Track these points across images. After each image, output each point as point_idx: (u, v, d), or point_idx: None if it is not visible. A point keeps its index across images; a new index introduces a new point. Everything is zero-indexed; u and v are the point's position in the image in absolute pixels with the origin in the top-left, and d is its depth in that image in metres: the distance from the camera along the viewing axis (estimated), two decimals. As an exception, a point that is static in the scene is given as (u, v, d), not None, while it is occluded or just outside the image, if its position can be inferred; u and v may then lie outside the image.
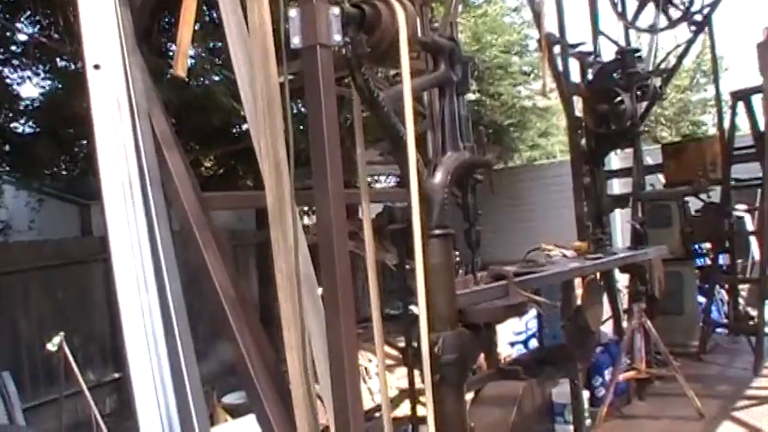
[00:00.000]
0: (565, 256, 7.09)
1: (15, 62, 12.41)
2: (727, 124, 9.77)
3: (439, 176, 4.30)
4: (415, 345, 4.05)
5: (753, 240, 12.06)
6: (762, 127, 9.28)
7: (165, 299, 3.43)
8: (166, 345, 3.41)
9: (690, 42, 10.20)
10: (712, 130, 21.91)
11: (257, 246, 13.54)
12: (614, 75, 8.72)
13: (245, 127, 12.26)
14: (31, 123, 13.68)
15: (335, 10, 3.30)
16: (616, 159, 14.80)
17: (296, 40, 3.20)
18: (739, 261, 10.90)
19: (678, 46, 10.11)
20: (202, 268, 3.62)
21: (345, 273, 3.20)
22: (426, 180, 4.12)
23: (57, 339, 7.93)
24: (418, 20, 4.18)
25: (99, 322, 12.16)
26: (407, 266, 4.49)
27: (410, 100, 3.85)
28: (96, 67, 3.57)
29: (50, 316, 11.31)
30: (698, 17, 9.94)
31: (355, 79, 3.74)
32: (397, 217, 4.44)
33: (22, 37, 12.08)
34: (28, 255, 11.60)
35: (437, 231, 4.14)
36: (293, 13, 3.21)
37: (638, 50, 9.11)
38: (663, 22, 10.02)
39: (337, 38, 3.29)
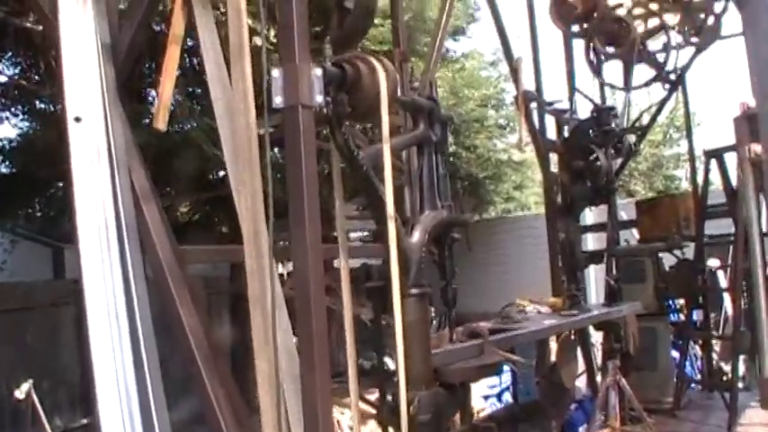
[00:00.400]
0: (540, 312, 7.10)
1: (-6, 103, 12.39)
2: (700, 181, 9.90)
3: (417, 235, 4.33)
4: (390, 400, 4.04)
5: (725, 296, 12.14)
6: (734, 183, 9.40)
7: (137, 346, 3.42)
8: (137, 391, 3.38)
9: (664, 101, 10.38)
10: (685, 185, 22.19)
11: (231, 295, 13.47)
12: (590, 131, 8.81)
13: (221, 173, 12.29)
14: (6, 164, 13.60)
15: (318, 71, 3.33)
16: (590, 214, 14.91)
17: (278, 100, 3.23)
18: (712, 316, 10.97)
19: (651, 106, 10.26)
20: (175, 319, 3.61)
21: (321, 327, 3.20)
22: (404, 238, 4.14)
23: (25, 387, 7.82)
24: (398, 78, 4.24)
25: (68, 367, 11.98)
26: (383, 322, 4.49)
27: (389, 160, 3.88)
28: (77, 119, 3.58)
29: (19, 360, 11.13)
30: (672, 76, 10.10)
31: (335, 138, 3.77)
32: (373, 274, 4.44)
33: (1, 78, 12.06)
34: (-2, 296, 11.45)
35: (414, 290, 4.16)
36: (276, 72, 3.24)
37: (613, 108, 9.21)
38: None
39: (319, 99, 3.32)
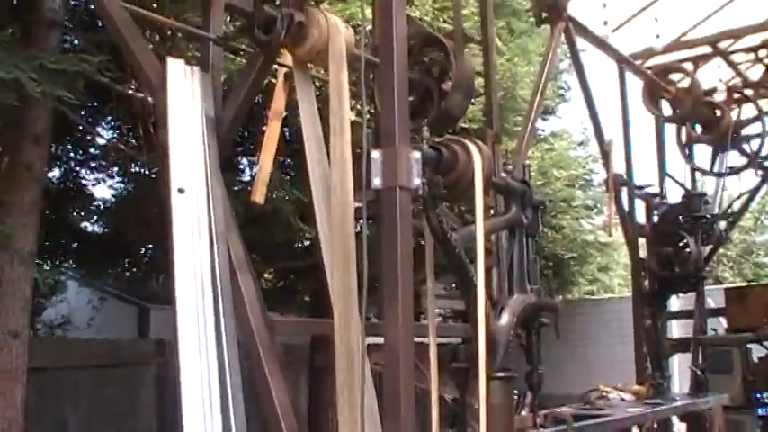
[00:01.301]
0: (623, 399, 6.95)
1: (92, 164, 12.84)
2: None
3: (505, 318, 4.33)
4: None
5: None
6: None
7: (227, 411, 3.46)
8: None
9: (757, 188, 10.16)
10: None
11: (310, 365, 13.55)
12: (680, 217, 8.69)
13: (306, 243, 12.43)
14: (100, 223, 14.05)
15: (416, 154, 3.39)
16: (676, 300, 14.57)
17: (376, 182, 3.30)
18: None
19: (743, 193, 10.05)
20: (263, 388, 3.65)
21: (409, 404, 3.20)
22: (492, 321, 4.14)
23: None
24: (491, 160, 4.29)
25: (147, 425, 12.16)
26: (467, 404, 4.46)
27: (482, 243, 3.91)
28: (180, 190, 3.70)
29: (99, 415, 11.35)
30: (766, 163, 9.91)
31: (429, 219, 3.82)
32: (459, 354, 4.43)
33: (100, 140, 12.54)
34: (83, 352, 11.73)
35: (500, 374, 4.14)
36: (375, 154, 3.31)
37: (704, 194, 9.09)
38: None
39: (417, 181, 3.37)
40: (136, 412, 12.09)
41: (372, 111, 4.25)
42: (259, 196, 4.30)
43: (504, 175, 4.60)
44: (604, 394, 7.08)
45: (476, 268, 3.94)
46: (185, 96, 3.93)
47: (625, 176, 8.52)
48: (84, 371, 11.47)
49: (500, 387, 4.14)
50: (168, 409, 12.57)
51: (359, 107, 5.83)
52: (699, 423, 7.42)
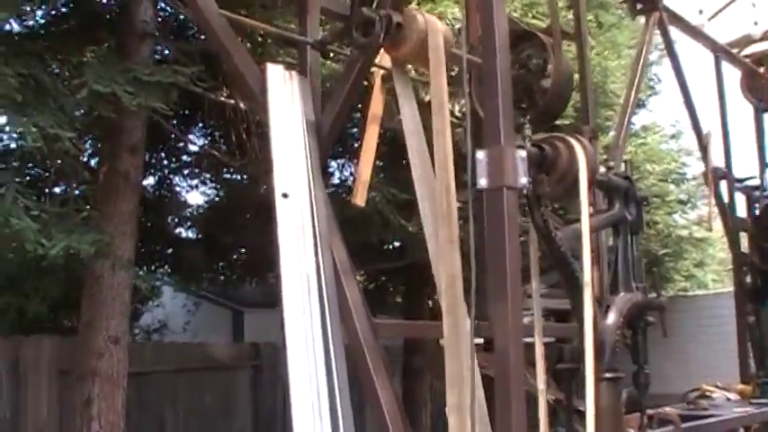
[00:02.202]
0: (728, 399, 6.75)
1: (185, 171, 13.09)
2: None
3: (612, 318, 4.23)
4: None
5: None
6: None
7: (335, 416, 3.46)
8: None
9: None
10: None
11: (403, 365, 13.57)
12: (784, 210, 8.40)
13: (397, 244, 12.45)
14: (193, 229, 14.32)
15: (522, 153, 3.34)
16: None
17: (482, 182, 3.25)
18: None
19: None
20: (370, 391, 3.64)
21: (521, 407, 3.15)
22: (599, 321, 4.05)
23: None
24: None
25: (242, 428, 12.34)
26: (574, 407, 4.38)
27: (588, 240, 3.83)
28: (285, 195, 3.73)
29: (196, 418, 11.57)
30: None
31: (534, 218, 3.77)
32: (565, 355, 4.35)
33: (192, 148, 12.77)
34: (180, 356, 11.97)
35: (607, 375, 4.06)
36: (480, 154, 3.27)
37: (806, 186, 8.77)
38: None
39: (523, 180, 3.32)
40: (231, 415, 12.28)
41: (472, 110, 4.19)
42: (360, 199, 4.31)
43: (604, 170, 4.51)
44: (708, 394, 6.88)
45: (581, 267, 3.87)
46: (286, 101, 3.96)
47: (724, 169, 8.29)
48: (182, 374, 11.70)
49: (608, 388, 4.05)
50: (263, 412, 12.76)
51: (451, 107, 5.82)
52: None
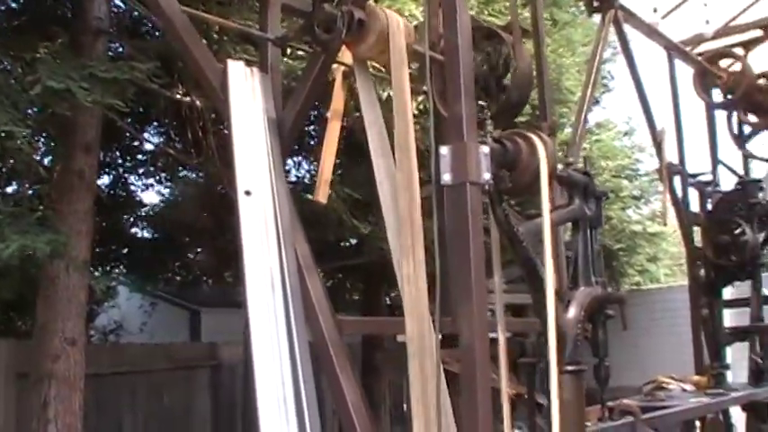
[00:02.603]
0: (684, 390, 6.86)
1: (141, 170, 12.97)
2: None
3: (572, 312, 4.28)
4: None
5: None
6: None
7: (301, 411, 3.45)
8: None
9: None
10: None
11: (362, 362, 13.58)
12: (736, 205, 8.55)
13: (353, 241, 12.44)
14: (149, 229, 14.20)
15: (485, 149, 3.37)
16: (726, 289, 14.36)
17: (446, 177, 3.27)
18: None
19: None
20: (335, 388, 3.64)
21: (487, 404, 3.17)
22: (560, 315, 4.09)
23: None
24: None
25: (202, 429, 12.27)
26: (536, 401, 4.43)
27: (550, 235, 3.87)
28: (247, 193, 3.71)
29: (155, 419, 11.48)
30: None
31: (495, 214, 3.80)
32: (527, 349, 4.40)
33: (148, 146, 12.64)
34: (138, 357, 11.85)
35: (570, 367, 4.10)
36: (444, 150, 3.29)
37: (760, 180, 8.93)
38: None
39: (486, 176, 3.34)
40: (191, 415, 12.22)
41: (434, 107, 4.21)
42: (322, 196, 4.30)
43: (563, 166, 4.55)
44: (664, 386, 6.99)
45: (542, 262, 3.91)
46: (247, 98, 3.94)
47: (678, 165, 8.41)
48: (140, 376, 11.60)
49: (571, 381, 4.10)
50: (222, 412, 12.69)
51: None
52: (760, 413, 7.28)
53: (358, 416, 3.57)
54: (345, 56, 4.34)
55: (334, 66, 4.56)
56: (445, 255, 3.41)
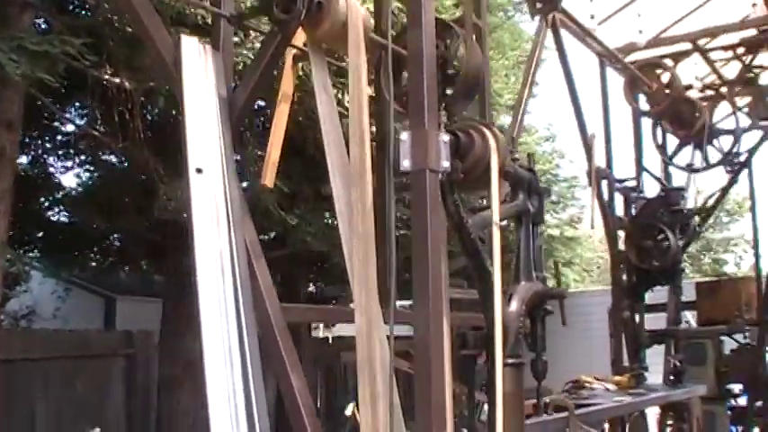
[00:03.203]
0: (608, 389, 7.00)
1: (61, 151, 12.60)
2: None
3: (514, 305, 4.31)
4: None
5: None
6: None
7: (249, 394, 3.39)
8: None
9: (729, 185, 10.33)
10: (733, 269, 21.96)
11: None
12: (659, 211, 8.76)
13: (272, 235, 12.31)
14: (66, 212, 13.78)
15: (445, 137, 3.37)
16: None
17: (405, 164, 3.26)
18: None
19: (723, 188, 10.19)
20: (282, 374, 3.59)
21: (441, 391, 3.17)
22: (503, 309, 4.11)
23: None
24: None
25: (114, 417, 11.99)
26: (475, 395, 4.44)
27: (498, 229, 3.89)
28: (199, 170, 3.62)
29: (68, 406, 11.17)
30: (737, 160, 10.05)
31: (446, 204, 3.79)
32: (469, 342, 4.40)
33: (69, 128, 12.29)
34: (51, 344, 11.50)
35: (510, 360, 4.13)
36: (404, 136, 3.27)
37: (682, 189, 9.20)
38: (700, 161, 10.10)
39: (446, 164, 3.34)
40: (105, 403, 11.91)
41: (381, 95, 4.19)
42: (269, 180, 4.23)
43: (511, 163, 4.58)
44: (587, 385, 7.12)
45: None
46: (200, 75, 3.85)
47: (606, 169, 8.58)
48: (53, 362, 11.25)
49: (511, 374, 4.13)
50: (136, 400, 12.43)
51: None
52: (681, 413, 7.50)
53: (302, 398, 3.53)
54: (298, 39, 4.28)
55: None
56: (398, 243, 3.41)
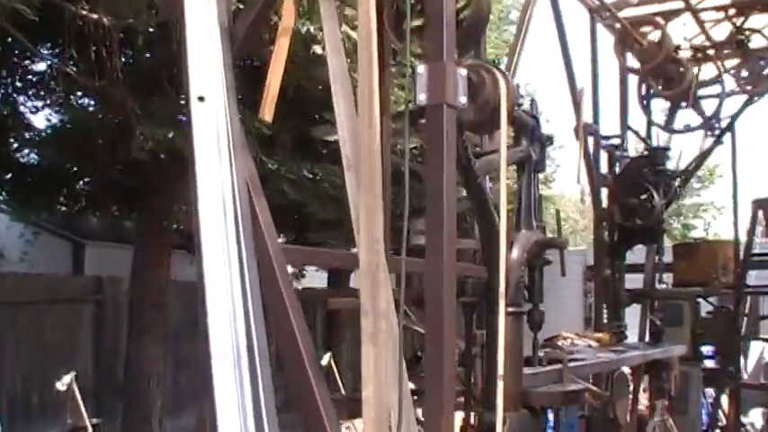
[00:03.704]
0: (590, 346, 6.98)
1: (31, 91, 12.24)
2: (744, 230, 9.85)
3: (515, 253, 4.22)
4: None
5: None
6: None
7: (251, 340, 3.25)
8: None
9: (711, 149, 10.32)
10: (702, 234, 22.13)
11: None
12: (644, 170, 8.71)
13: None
14: (36, 154, 13.40)
15: (463, 71, 3.22)
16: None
17: (422, 97, 3.11)
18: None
19: (705, 151, 10.17)
20: (283, 315, 3.44)
21: (452, 338, 3.06)
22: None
23: (67, 379, 7.64)
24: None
25: (83, 363, 11.82)
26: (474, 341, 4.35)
27: (505, 173, 3.77)
28: (201, 99, 3.45)
29: (37, 350, 11.00)
30: (719, 124, 10.03)
31: (456, 146, 3.66)
32: (467, 290, 4.31)
33: (41, 66, 11.93)
34: (19, 288, 11.29)
35: (511, 309, 4.05)
36: (421, 69, 3.13)
37: (668, 149, 9.15)
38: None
39: (463, 99, 3.20)
40: (74, 349, 11.74)
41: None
42: (268, 114, 4.04)
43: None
44: (570, 340, 7.10)
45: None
46: (200, 1, 3.66)
47: (594, 125, 8.50)
48: (21, 307, 11.04)
49: (511, 323, 4.05)
50: (106, 347, 12.28)
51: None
52: (661, 371, 7.52)
53: (303, 341, 3.40)
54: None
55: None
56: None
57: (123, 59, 9.90)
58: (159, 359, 11.43)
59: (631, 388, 7.59)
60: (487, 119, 3.83)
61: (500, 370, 3.62)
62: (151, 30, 9.57)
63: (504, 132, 3.79)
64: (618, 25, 9.05)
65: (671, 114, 9.99)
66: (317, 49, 8.92)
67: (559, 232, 4.79)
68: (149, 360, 11.30)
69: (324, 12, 3.79)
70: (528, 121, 4.52)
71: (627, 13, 9.03)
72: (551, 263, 4.66)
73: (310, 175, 11.81)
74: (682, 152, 9.96)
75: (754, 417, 11.04)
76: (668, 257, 10.44)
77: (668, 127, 10.11)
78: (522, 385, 4.20)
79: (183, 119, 10.77)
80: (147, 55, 10.58)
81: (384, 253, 3.33)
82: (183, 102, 11.35)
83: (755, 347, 11.90)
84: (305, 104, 10.33)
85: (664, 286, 10.17)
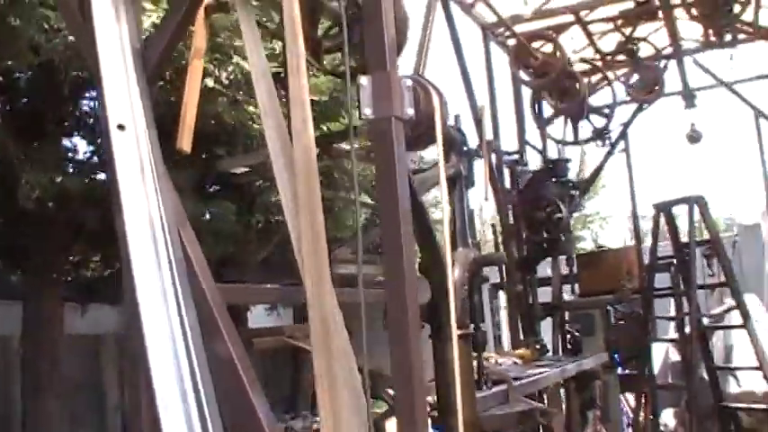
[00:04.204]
0: (516, 363, 6.89)
1: None
2: (647, 234, 10.00)
3: (457, 273, 4.05)
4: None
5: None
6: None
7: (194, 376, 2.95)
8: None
9: (605, 159, 10.50)
10: (591, 245, 22.55)
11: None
12: (546, 183, 8.75)
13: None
14: None
15: (408, 82, 3.04)
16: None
17: (367, 111, 2.90)
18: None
19: (602, 161, 10.34)
20: (222, 350, 3.13)
21: (419, 367, 2.85)
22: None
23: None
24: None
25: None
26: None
27: (446, 188, 3.62)
28: (121, 127, 3.14)
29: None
30: (610, 136, 10.20)
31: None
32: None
33: None
34: None
35: (460, 332, 3.86)
36: (364, 80, 2.91)
37: (569, 160, 9.23)
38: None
39: (410, 111, 3.00)
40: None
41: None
42: (186, 144, 3.75)
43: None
44: (494, 360, 6.99)
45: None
46: (111, 21, 3.36)
47: (496, 142, 8.49)
48: None
49: (462, 346, 3.86)
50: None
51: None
52: (588, 381, 7.51)
53: (246, 373, 3.09)
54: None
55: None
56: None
57: (2, 103, 9.32)
58: (57, 416, 10.78)
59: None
60: (422, 135, 3.67)
61: (458, 399, 3.44)
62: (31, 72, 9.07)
63: (441, 148, 3.64)
64: (511, 42, 9.11)
65: (573, 128, 10.06)
66: (209, 82, 8.57)
67: (497, 247, 4.66)
68: (47, 417, 10.64)
69: (244, 24, 3.55)
70: (456, 136, 4.39)
71: (519, 28, 9.10)
72: (488, 281, 4.51)
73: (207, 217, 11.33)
74: (583, 161, 10.10)
75: (667, 417, 11.21)
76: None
77: (562, 139, 10.21)
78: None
79: (71, 162, 10.32)
80: (27, 99, 9.99)
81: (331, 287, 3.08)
82: (69, 144, 10.88)
83: (659, 349, 12.07)
84: (197, 140, 9.93)
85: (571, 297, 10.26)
